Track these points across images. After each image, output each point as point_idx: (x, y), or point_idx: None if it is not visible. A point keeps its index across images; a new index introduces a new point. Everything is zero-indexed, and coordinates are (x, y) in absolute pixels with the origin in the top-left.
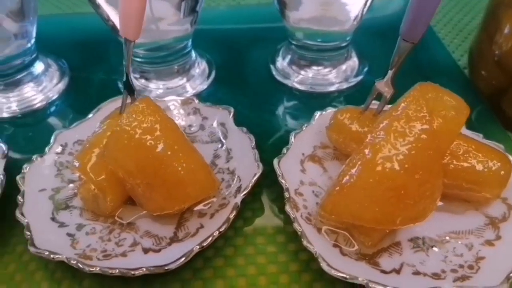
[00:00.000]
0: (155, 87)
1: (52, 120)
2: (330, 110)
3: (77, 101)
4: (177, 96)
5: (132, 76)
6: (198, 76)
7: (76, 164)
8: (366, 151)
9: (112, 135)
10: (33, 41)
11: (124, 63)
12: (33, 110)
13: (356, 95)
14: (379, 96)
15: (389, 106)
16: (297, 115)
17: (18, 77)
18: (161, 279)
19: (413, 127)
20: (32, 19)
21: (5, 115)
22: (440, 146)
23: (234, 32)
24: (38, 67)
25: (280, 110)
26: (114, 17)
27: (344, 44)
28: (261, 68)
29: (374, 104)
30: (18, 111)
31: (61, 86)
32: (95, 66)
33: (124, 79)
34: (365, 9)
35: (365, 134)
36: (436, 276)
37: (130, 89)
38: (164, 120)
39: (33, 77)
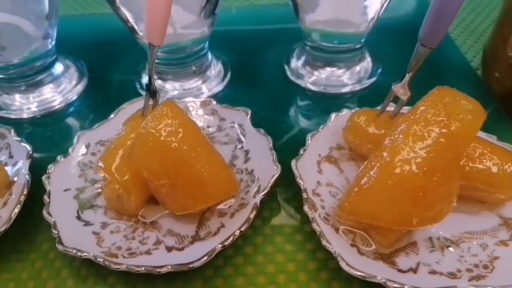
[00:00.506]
0: (171, 88)
1: (72, 121)
2: (345, 112)
3: (96, 102)
4: (193, 97)
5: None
6: (214, 78)
7: (101, 165)
8: (385, 153)
9: (138, 137)
10: (53, 43)
11: (147, 66)
12: (53, 111)
13: (369, 97)
14: (395, 99)
15: (407, 108)
16: (311, 116)
17: (38, 78)
18: (183, 276)
19: (432, 131)
20: (54, 21)
21: (25, 116)
22: (458, 149)
23: (248, 33)
24: (58, 68)
25: (294, 111)
26: (132, 18)
27: (358, 46)
28: (275, 69)
29: (390, 106)
30: (38, 112)
31: (80, 87)
32: (112, 67)
33: (147, 82)
34: (381, 12)
35: (382, 136)
36: (452, 275)
37: (152, 92)
38: (187, 122)
39: (53, 78)
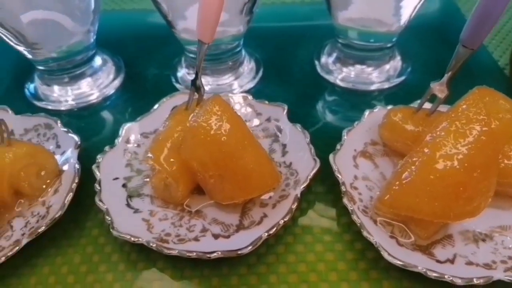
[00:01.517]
0: (205, 82)
1: (108, 114)
2: (378, 109)
3: (132, 96)
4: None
5: (184, 71)
6: (246, 75)
7: (151, 155)
8: (426, 149)
9: (189, 130)
10: (94, 37)
11: (196, 63)
12: (90, 104)
13: (397, 95)
14: (431, 97)
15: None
16: (339, 111)
17: (78, 72)
18: (228, 262)
19: (473, 129)
20: (97, 16)
21: (62, 108)
22: (497, 146)
23: (279, 30)
24: (97, 62)
25: (323, 106)
26: (172, 13)
27: (389, 45)
28: (305, 65)
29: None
30: (75, 105)
31: (117, 81)
32: (147, 62)
33: (194, 77)
34: (413, 13)
35: (419, 133)
36: (487, 266)
37: (198, 87)
38: (235, 117)
39: (92, 72)
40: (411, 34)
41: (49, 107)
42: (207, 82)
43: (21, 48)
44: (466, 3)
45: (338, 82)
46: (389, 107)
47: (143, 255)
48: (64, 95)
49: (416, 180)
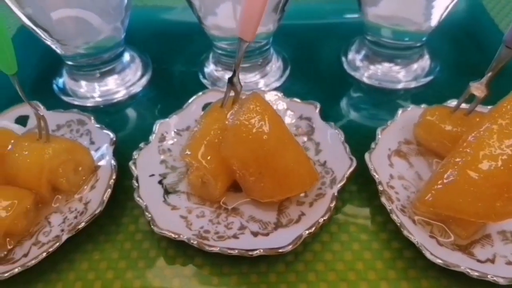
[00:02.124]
0: None
1: (137, 110)
2: (411, 108)
3: (160, 93)
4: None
5: (212, 67)
6: (273, 73)
7: (188, 153)
8: (469, 150)
9: (231, 129)
10: (124, 34)
11: (235, 61)
12: (118, 100)
13: (423, 95)
14: (470, 97)
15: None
16: (364, 109)
17: (107, 68)
18: (266, 260)
19: None
20: (127, 13)
21: (88, 104)
22: None
23: (306, 27)
24: (125, 59)
25: (349, 104)
26: (204, 8)
27: (418, 44)
28: (332, 62)
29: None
30: (101, 101)
31: (145, 78)
32: (175, 58)
33: (231, 75)
34: (445, 13)
35: (457, 134)
36: None
37: (235, 85)
38: (275, 115)
39: (120, 69)
40: (440, 34)
41: (76, 103)
42: None
43: (51, 43)
44: (495, 6)
45: (365, 80)
46: (423, 106)
47: (181, 251)
48: (91, 91)
49: (460, 180)
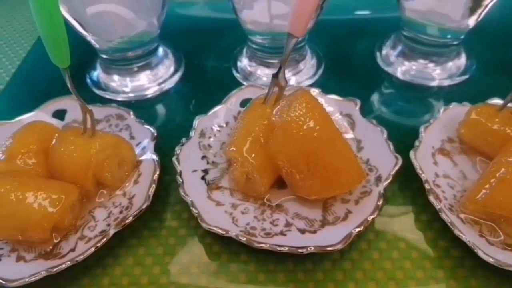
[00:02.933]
0: (261, 74)
1: (171, 105)
2: (453, 106)
3: (193, 89)
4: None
5: (246, 61)
6: (306, 71)
7: (234, 149)
8: None
9: (281, 125)
10: (159, 30)
11: (282, 57)
12: (151, 95)
13: (457, 93)
14: None
15: None
16: (397, 105)
17: (141, 63)
18: (312, 258)
19: None
20: (165, 8)
21: (119, 99)
22: None
23: (341, 22)
24: (159, 54)
25: (383, 100)
26: (243, 1)
27: (456, 42)
28: (366, 57)
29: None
30: (133, 96)
31: (178, 73)
32: (206, 53)
33: (277, 71)
34: (485, 11)
35: (505, 133)
36: None
37: (280, 81)
38: (324, 113)
39: (154, 64)
40: (477, 32)
41: (107, 96)
42: (265, 74)
43: (87, 36)
44: None
45: (399, 75)
46: (465, 103)
47: (226, 247)
48: (123, 86)
49: None
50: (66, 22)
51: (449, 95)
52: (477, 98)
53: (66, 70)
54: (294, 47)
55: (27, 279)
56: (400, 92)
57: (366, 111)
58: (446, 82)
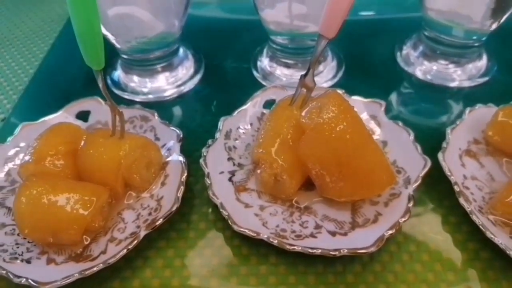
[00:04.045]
0: (281, 74)
1: (191, 106)
2: (479, 107)
3: (213, 90)
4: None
5: (266, 61)
6: (326, 73)
7: (262, 150)
8: None
9: (313, 127)
10: (180, 31)
11: (312, 59)
12: (172, 96)
13: (478, 94)
14: None
15: None
16: (419, 106)
17: (162, 64)
18: (342, 260)
19: None
20: (187, 10)
21: (138, 99)
22: None
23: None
24: (180, 55)
25: (403, 100)
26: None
27: (477, 44)
28: (387, 57)
29: None
30: (152, 97)
31: (198, 74)
32: (226, 54)
33: (305, 72)
34: (508, 14)
35: None
36: None
37: (308, 83)
38: (355, 114)
39: (175, 65)
40: (499, 34)
41: (126, 97)
42: (283, 74)
43: (108, 36)
44: None
45: (419, 75)
46: (490, 105)
47: (254, 249)
48: (142, 86)
49: None
50: None
51: (470, 96)
52: (498, 100)
53: (100, 71)
54: (325, 48)
55: (59, 282)
56: (420, 93)
57: (388, 111)
58: (466, 84)
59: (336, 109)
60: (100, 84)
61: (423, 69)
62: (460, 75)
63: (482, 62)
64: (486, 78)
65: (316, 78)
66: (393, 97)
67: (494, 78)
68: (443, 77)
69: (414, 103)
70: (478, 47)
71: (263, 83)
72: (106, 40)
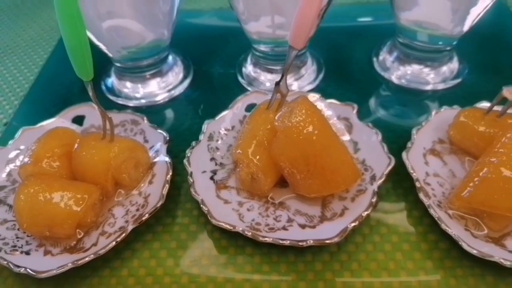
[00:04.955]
0: (265, 79)
1: (180, 110)
2: (444, 109)
3: (201, 94)
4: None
5: (250, 68)
6: (308, 76)
7: (240, 151)
8: (503, 150)
9: (283, 130)
10: (170, 40)
11: (284, 66)
12: (161, 101)
13: (451, 96)
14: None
15: None
16: (393, 109)
17: (152, 71)
18: (312, 250)
19: None
20: (176, 18)
21: (131, 104)
22: None
23: (340, 29)
24: (169, 62)
25: (379, 104)
26: (248, 11)
27: (449, 48)
28: (364, 63)
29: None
30: (144, 102)
31: (187, 80)
32: (213, 60)
33: (279, 79)
34: (477, 20)
35: (490, 134)
36: None
37: (282, 89)
38: (322, 118)
39: (164, 71)
40: (469, 37)
41: (120, 102)
42: (267, 79)
43: (101, 45)
44: None
45: (394, 80)
46: (455, 107)
47: (232, 241)
48: (135, 92)
49: (495, 178)
50: None
51: (443, 98)
52: (469, 101)
53: (90, 82)
54: (294, 58)
55: (54, 271)
56: (395, 96)
57: (364, 114)
58: (440, 86)
59: (304, 113)
60: (90, 93)
61: (399, 73)
62: (433, 78)
63: (454, 65)
64: (458, 80)
65: (298, 81)
66: (369, 100)
67: (466, 80)
68: (418, 80)
69: (389, 106)
70: (449, 51)
71: (248, 88)
72: (99, 50)
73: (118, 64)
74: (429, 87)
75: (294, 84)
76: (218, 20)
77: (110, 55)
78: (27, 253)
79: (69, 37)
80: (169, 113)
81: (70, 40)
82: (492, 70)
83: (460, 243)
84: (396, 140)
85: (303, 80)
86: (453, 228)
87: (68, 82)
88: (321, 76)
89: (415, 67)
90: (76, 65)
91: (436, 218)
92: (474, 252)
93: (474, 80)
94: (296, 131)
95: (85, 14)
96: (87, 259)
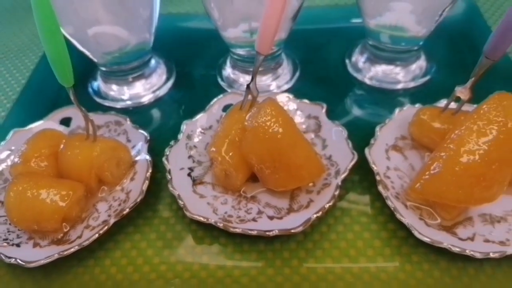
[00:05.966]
0: (243, 81)
1: (163, 112)
2: (407, 107)
3: (183, 95)
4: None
5: (229, 70)
6: (284, 76)
7: (213, 149)
8: (452, 145)
9: (250, 130)
10: (151, 44)
11: (253, 70)
12: (146, 103)
13: (421, 94)
14: (456, 99)
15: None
16: (366, 108)
17: (136, 74)
18: (280, 239)
19: (493, 129)
20: (155, 25)
21: (118, 106)
22: None
23: (315, 31)
24: (152, 65)
25: (353, 103)
26: (223, 18)
27: (416, 48)
28: (338, 64)
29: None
30: (130, 104)
31: (170, 82)
32: (195, 63)
33: (249, 82)
34: (439, 20)
35: (445, 131)
36: (502, 243)
37: (252, 91)
38: (287, 117)
39: (147, 74)
40: (436, 35)
41: (106, 104)
42: (246, 81)
43: (86, 52)
44: (489, 9)
45: (366, 81)
46: (417, 105)
47: (208, 232)
48: (121, 94)
49: (444, 171)
50: (68, 42)
51: (413, 96)
52: (437, 98)
53: (71, 88)
54: (261, 63)
55: (42, 261)
56: (367, 96)
57: (336, 113)
58: (411, 84)
59: (269, 113)
60: (72, 98)
61: (370, 74)
62: (404, 77)
63: (422, 64)
64: (427, 78)
65: (275, 81)
66: (341, 99)
67: (434, 77)
68: (388, 80)
69: (359, 105)
70: (417, 50)
71: (228, 90)
72: (85, 55)
73: (103, 68)
74: (400, 86)
75: (272, 84)
76: (199, 23)
77: (95, 60)
78: (18, 245)
79: (49, 48)
80: (153, 114)
81: (50, 51)
82: (460, 67)
83: (412, 231)
84: (364, 137)
85: (280, 80)
86: (408, 218)
87: (57, 86)
88: (296, 76)
89: (385, 67)
90: (57, 73)
91: (392, 209)
92: (425, 239)
93: (442, 77)
94: (262, 131)
95: (69, 22)
96: (72, 250)
